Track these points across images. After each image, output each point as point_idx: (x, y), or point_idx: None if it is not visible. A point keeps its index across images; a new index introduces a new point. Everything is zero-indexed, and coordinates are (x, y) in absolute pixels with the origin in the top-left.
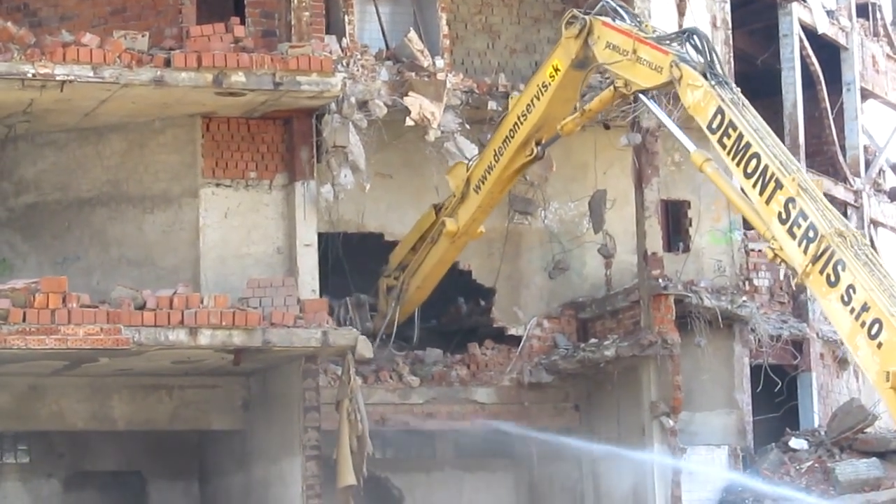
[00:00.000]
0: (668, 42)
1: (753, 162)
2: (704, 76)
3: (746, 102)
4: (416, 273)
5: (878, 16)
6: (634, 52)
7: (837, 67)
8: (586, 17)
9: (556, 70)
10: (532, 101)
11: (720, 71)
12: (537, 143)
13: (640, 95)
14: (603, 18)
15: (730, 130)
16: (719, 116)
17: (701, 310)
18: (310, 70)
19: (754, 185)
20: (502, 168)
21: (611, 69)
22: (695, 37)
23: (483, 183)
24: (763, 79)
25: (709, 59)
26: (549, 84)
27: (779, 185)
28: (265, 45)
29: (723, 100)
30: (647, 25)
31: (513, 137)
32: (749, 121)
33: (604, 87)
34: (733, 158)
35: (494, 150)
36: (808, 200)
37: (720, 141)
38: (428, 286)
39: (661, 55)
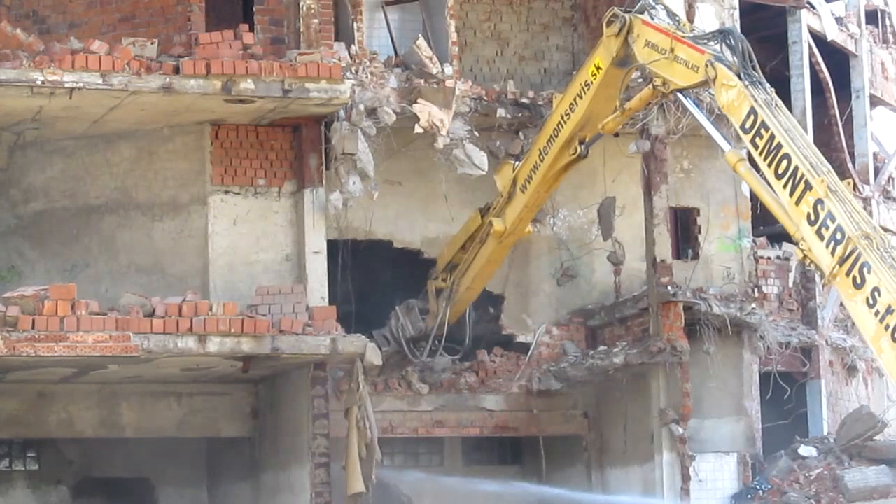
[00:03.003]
0: (704, 41)
1: (784, 163)
2: (739, 76)
3: (780, 103)
4: (465, 273)
5: (888, 23)
6: (672, 50)
7: (846, 74)
8: (626, 16)
9: (598, 68)
10: (575, 99)
11: (754, 71)
12: (580, 142)
13: (678, 94)
14: (642, 17)
15: (762, 131)
16: (752, 116)
17: (710, 317)
18: (318, 77)
19: (785, 186)
20: (547, 167)
21: (649, 68)
22: (731, 37)
23: (529, 182)
24: (772, 86)
25: (743, 59)
26: (592, 82)
27: (808, 187)
28: (274, 53)
29: (756, 100)
30: (684, 24)
31: (557, 136)
32: (781, 122)
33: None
34: (765, 159)
35: (539, 150)
36: (837, 202)
37: (752, 141)
38: (478, 286)
39: (698, 54)
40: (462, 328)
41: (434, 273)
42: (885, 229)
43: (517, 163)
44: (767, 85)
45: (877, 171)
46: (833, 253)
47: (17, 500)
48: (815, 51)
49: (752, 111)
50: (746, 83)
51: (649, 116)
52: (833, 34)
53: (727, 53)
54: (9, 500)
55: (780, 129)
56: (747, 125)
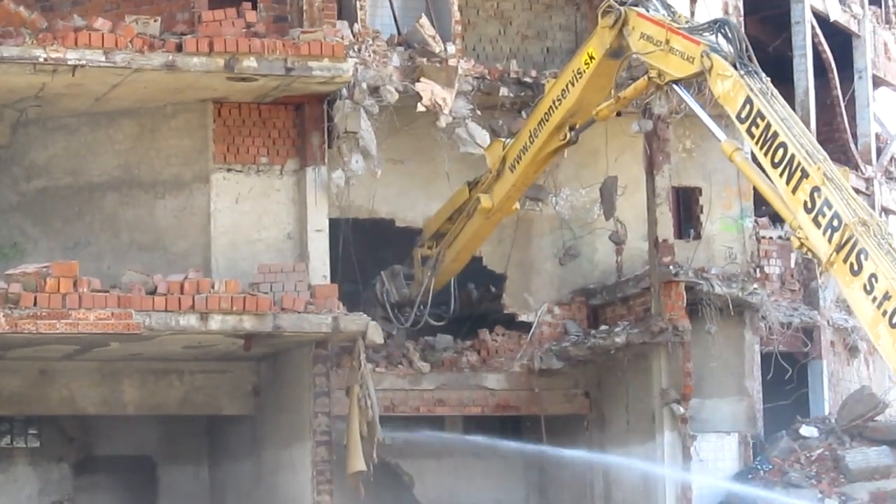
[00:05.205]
0: (700, 32)
1: (781, 151)
2: (734, 66)
3: (775, 92)
4: (451, 245)
5: (891, 3)
6: (667, 42)
7: (849, 55)
8: (622, 8)
9: (591, 58)
10: (567, 86)
11: (750, 61)
12: (571, 128)
13: (674, 85)
14: (638, 9)
15: (758, 120)
16: (748, 106)
17: (712, 297)
18: (321, 55)
19: (781, 174)
20: (536, 150)
21: (645, 59)
22: (726, 27)
23: (518, 163)
24: (775, 66)
25: (739, 48)
26: (584, 71)
27: (805, 175)
28: (277, 31)
29: (751, 89)
30: (680, 16)
31: (547, 121)
32: (777, 110)
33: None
34: (761, 148)
35: (530, 132)
36: (834, 189)
37: (748, 130)
38: (463, 258)
39: (693, 45)
40: (447, 295)
41: (420, 241)
42: (888, 210)
43: (507, 140)
44: (763, 74)
45: (879, 152)
46: (830, 240)
47: (18, 477)
48: (818, 31)
49: (748, 101)
50: (742, 73)
51: (652, 96)
52: (836, 14)
53: (723, 43)
54: (10, 477)
55: (776, 118)
56: (743, 115)
